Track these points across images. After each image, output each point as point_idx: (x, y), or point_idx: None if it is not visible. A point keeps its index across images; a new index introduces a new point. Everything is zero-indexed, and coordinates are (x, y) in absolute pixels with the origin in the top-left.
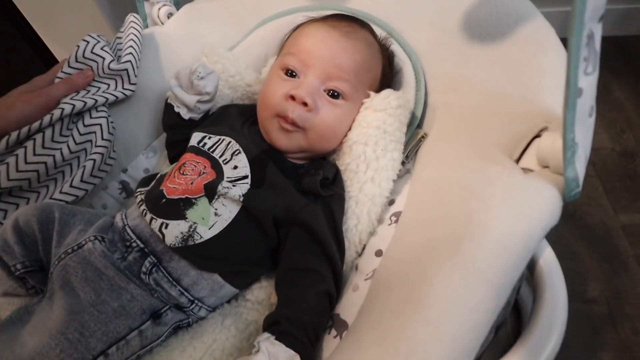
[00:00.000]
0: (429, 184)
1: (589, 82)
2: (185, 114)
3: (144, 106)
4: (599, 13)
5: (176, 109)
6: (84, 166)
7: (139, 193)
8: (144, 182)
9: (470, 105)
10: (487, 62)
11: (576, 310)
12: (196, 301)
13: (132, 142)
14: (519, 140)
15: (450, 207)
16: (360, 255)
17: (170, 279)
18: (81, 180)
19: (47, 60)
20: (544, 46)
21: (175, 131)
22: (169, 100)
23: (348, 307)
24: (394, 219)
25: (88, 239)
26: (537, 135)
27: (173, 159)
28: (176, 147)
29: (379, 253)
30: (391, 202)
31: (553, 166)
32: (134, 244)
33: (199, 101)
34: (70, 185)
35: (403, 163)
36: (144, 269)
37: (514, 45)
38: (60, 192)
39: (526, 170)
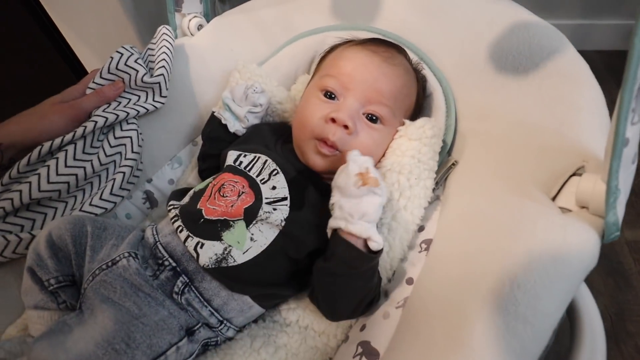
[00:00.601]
0: (461, 214)
1: (634, 131)
2: (232, 127)
3: (172, 117)
4: None
5: (223, 122)
6: (114, 179)
7: (172, 207)
8: (176, 195)
9: (501, 135)
10: (519, 93)
11: None
12: (225, 321)
13: (158, 153)
14: (555, 177)
15: (487, 243)
16: (390, 281)
17: (202, 299)
18: (111, 193)
19: (71, 62)
20: (579, 82)
21: (215, 144)
22: (216, 113)
23: (379, 335)
24: (424, 246)
25: (122, 255)
26: (574, 174)
27: (202, 171)
28: (208, 160)
29: (410, 281)
30: (421, 229)
31: (593, 209)
32: (166, 262)
33: (249, 111)
34: (100, 198)
35: (433, 189)
36: (176, 289)
37: (547, 78)
38: (90, 205)
39: (564, 209)
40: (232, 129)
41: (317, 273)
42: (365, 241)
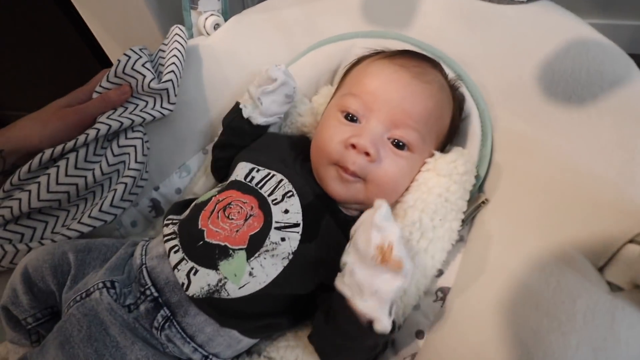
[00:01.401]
0: (485, 268)
1: None
2: (247, 112)
3: (181, 123)
4: None
5: (240, 105)
6: (115, 190)
7: (170, 222)
8: (176, 209)
9: (543, 177)
10: (570, 128)
11: None
12: (211, 356)
13: (167, 160)
14: (605, 243)
15: (514, 313)
16: (399, 329)
17: (184, 335)
18: (111, 205)
19: (97, 52)
20: None
21: (231, 132)
22: (240, 105)
23: None
24: (440, 294)
25: (96, 286)
26: (631, 240)
27: (217, 161)
28: (228, 150)
29: (420, 335)
30: (439, 273)
31: None
32: (147, 292)
33: (263, 92)
34: (100, 210)
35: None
36: (155, 324)
37: (607, 114)
38: (90, 217)
39: (613, 286)
40: (246, 114)
41: (315, 330)
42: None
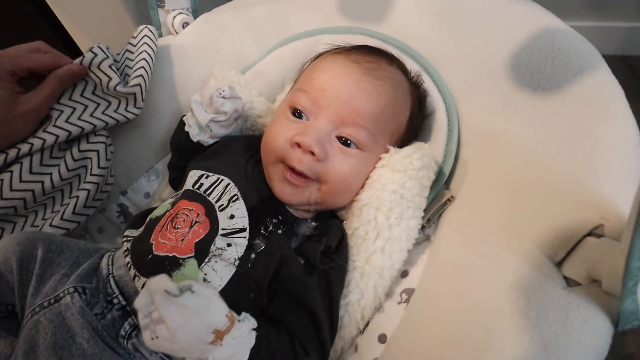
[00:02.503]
0: (449, 267)
1: None
2: (195, 136)
3: (149, 125)
4: None
5: (186, 128)
6: (77, 197)
7: (125, 239)
8: (134, 223)
9: (509, 172)
10: (534, 120)
11: None
12: None
13: (134, 164)
14: (564, 236)
15: (472, 313)
16: (362, 332)
17: None
18: (73, 213)
19: (66, 40)
20: (609, 114)
21: (184, 155)
22: (184, 118)
23: None
24: (404, 296)
25: (67, 290)
26: (590, 233)
27: (173, 181)
28: (179, 171)
29: (382, 338)
30: (404, 274)
31: (607, 285)
32: (114, 300)
33: (212, 120)
34: (62, 218)
35: (423, 227)
36: (122, 332)
37: (571, 105)
38: (51, 226)
39: (570, 281)
40: (194, 138)
41: None
42: None
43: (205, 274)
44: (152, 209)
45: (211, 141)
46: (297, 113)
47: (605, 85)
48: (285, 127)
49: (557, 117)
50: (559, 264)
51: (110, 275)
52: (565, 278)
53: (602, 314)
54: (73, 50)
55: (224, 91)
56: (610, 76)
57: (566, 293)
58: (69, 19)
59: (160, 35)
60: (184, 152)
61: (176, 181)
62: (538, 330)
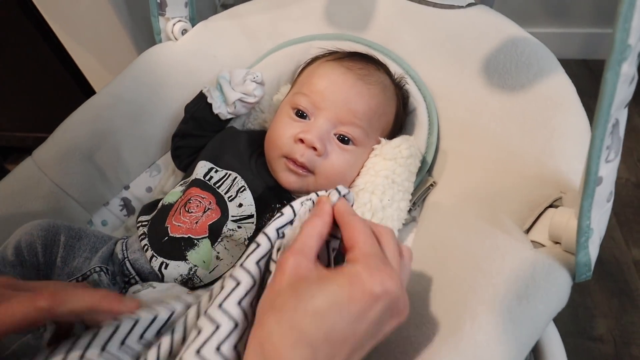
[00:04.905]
0: (434, 242)
1: (609, 169)
2: (217, 108)
3: (151, 124)
4: (626, 101)
5: (209, 100)
6: None
7: (140, 224)
8: (146, 209)
9: (482, 158)
10: (503, 114)
11: (581, 347)
12: None
13: (136, 161)
14: (530, 208)
15: (455, 275)
16: None
17: None
18: None
19: (69, 66)
20: (564, 106)
21: (198, 125)
22: (204, 91)
23: None
24: None
25: (94, 269)
26: (551, 205)
27: (176, 149)
28: (187, 139)
29: None
30: None
31: (565, 245)
32: (132, 281)
33: (241, 99)
34: None
35: (410, 210)
36: None
37: (532, 100)
38: None
39: (536, 244)
40: (216, 110)
41: None
42: None
43: (218, 253)
44: (160, 200)
45: (229, 116)
46: (299, 113)
47: (562, 84)
48: (290, 126)
49: (521, 111)
50: (527, 231)
51: (126, 259)
52: (533, 242)
53: (562, 269)
54: (67, 63)
55: (257, 76)
56: (565, 76)
57: (533, 253)
58: (61, 28)
59: (161, 41)
60: (198, 122)
61: (177, 150)
62: (512, 283)
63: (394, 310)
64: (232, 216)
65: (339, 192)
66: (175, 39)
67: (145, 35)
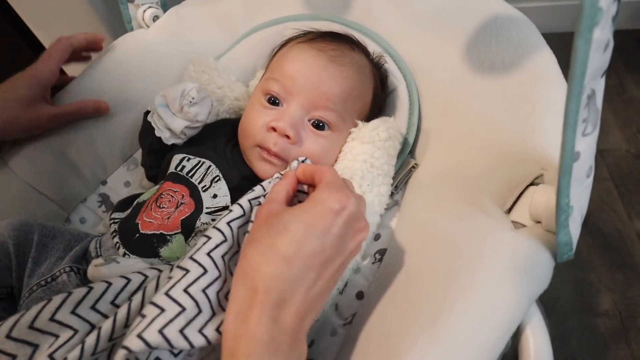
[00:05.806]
0: (415, 224)
1: (587, 143)
2: (169, 139)
3: (126, 116)
4: (602, 70)
5: (157, 133)
6: None
7: (112, 221)
8: (120, 206)
9: (464, 137)
10: (484, 90)
11: (587, 323)
12: None
13: (112, 154)
14: (511, 187)
15: (435, 260)
16: (341, 293)
17: None
18: None
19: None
20: (545, 80)
21: (157, 155)
22: (149, 118)
23: (324, 353)
24: (378, 256)
25: (63, 269)
26: (532, 183)
27: (151, 178)
28: (155, 169)
29: (360, 295)
30: (377, 237)
31: (546, 224)
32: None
33: (187, 127)
34: None
35: (392, 194)
36: None
37: (513, 75)
38: None
39: (517, 224)
40: (167, 142)
41: None
42: None
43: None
44: (138, 195)
45: (185, 139)
46: (271, 100)
47: (543, 57)
48: (262, 114)
49: (502, 86)
50: (508, 211)
51: (100, 257)
52: (514, 222)
53: (543, 249)
54: (37, 49)
55: (193, 98)
56: (547, 49)
57: (513, 235)
58: (33, 16)
59: (132, 30)
60: (159, 154)
61: (155, 176)
62: (492, 267)
63: (354, 226)
64: (207, 208)
65: (298, 161)
66: (147, 26)
67: (122, 23)
